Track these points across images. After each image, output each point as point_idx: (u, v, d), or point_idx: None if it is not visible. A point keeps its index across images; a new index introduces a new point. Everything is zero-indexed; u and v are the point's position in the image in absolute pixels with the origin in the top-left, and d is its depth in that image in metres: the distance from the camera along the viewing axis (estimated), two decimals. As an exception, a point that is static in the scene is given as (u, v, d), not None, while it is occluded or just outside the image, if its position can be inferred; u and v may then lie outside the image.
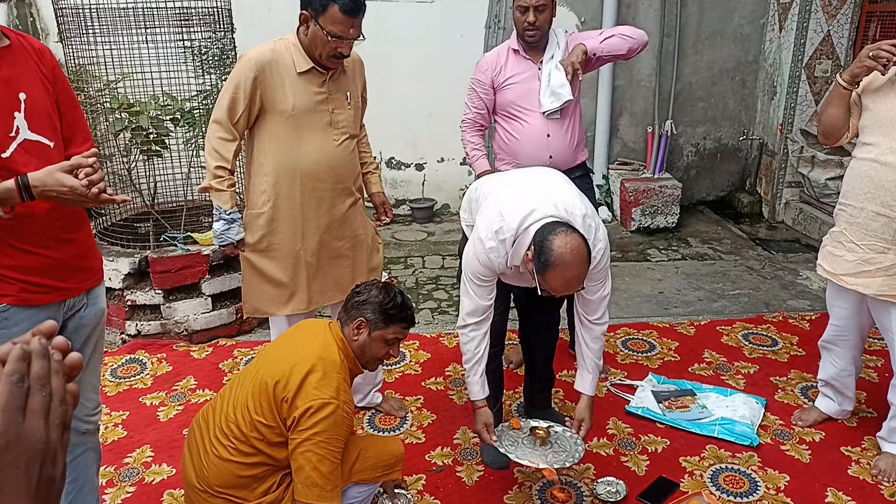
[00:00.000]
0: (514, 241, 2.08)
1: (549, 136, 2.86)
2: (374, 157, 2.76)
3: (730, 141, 6.05)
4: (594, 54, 2.79)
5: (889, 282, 2.39)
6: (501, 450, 2.25)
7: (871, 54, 2.30)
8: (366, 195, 2.74)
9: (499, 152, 3.01)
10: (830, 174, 5.04)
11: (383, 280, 2.36)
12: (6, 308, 1.71)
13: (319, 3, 2.22)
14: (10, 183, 1.57)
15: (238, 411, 1.96)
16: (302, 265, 2.55)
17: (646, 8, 5.57)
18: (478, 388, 2.31)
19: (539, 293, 2.05)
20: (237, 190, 2.53)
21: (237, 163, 2.49)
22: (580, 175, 3.00)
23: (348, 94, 2.47)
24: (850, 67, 2.39)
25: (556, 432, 2.35)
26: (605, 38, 2.81)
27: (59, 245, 1.78)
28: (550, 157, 2.87)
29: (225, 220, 2.42)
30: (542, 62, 2.87)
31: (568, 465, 2.23)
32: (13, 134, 1.65)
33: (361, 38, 2.32)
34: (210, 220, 3.75)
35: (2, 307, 1.71)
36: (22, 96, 1.68)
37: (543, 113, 2.83)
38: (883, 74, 2.35)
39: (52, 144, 1.75)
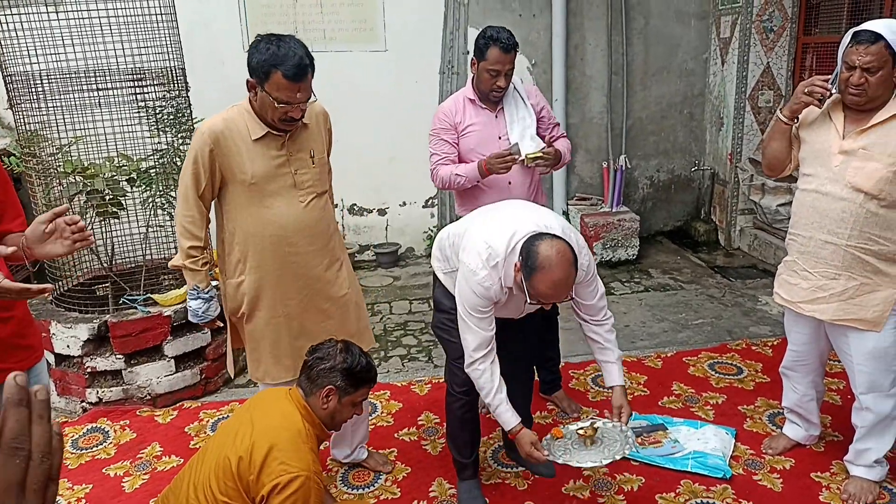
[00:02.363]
0: (505, 263, 2.15)
1: (510, 182, 2.89)
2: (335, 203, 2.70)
3: (682, 172, 6.22)
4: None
5: (843, 307, 2.47)
6: (560, 461, 2.22)
7: (806, 90, 2.41)
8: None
9: (460, 200, 3.02)
10: (781, 200, 5.21)
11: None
12: None
13: (262, 71, 2.15)
14: None
15: (200, 492, 1.90)
16: (284, 331, 2.47)
17: (593, 48, 5.75)
18: (509, 416, 2.28)
19: (528, 302, 2.13)
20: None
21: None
22: None
23: (312, 151, 2.39)
24: (789, 104, 2.50)
25: (600, 427, 2.33)
26: (566, 152, 3.00)
27: None
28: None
29: (203, 298, 2.38)
30: (500, 110, 2.91)
31: (626, 454, 2.23)
32: None
33: (313, 98, 2.27)
34: (170, 279, 3.72)
35: None
36: None
37: (524, 159, 2.81)
38: (819, 108, 2.46)
39: None
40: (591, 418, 2.38)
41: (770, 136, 2.64)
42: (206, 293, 2.38)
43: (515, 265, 2.10)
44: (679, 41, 5.91)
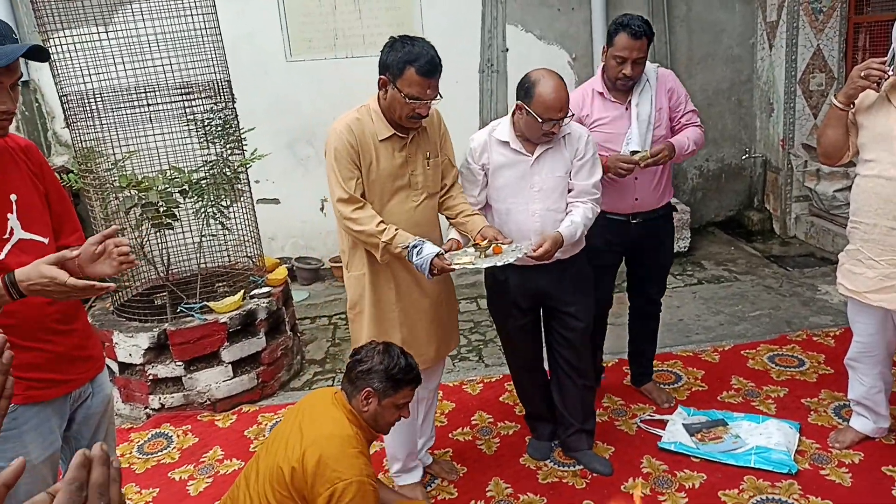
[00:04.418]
0: (495, 128, 2.56)
1: (636, 178, 2.82)
2: (473, 209, 2.57)
3: (732, 160, 6.07)
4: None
5: (912, 295, 2.37)
6: (456, 267, 2.25)
7: (862, 74, 2.32)
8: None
9: None
10: (837, 185, 5.04)
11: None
12: (14, 408, 1.69)
13: (396, 67, 2.23)
14: None
15: (257, 502, 1.93)
16: (396, 325, 2.47)
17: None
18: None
19: (542, 132, 2.42)
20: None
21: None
22: (663, 215, 3.00)
23: (427, 153, 2.45)
24: (844, 89, 2.41)
25: (504, 247, 2.35)
26: (689, 142, 2.87)
27: (59, 337, 1.79)
28: (636, 199, 2.87)
29: (416, 248, 2.27)
30: (629, 102, 2.80)
31: (490, 264, 2.26)
32: (7, 235, 1.67)
33: (439, 97, 2.31)
34: (225, 287, 3.80)
35: (10, 408, 1.69)
36: (13, 197, 1.70)
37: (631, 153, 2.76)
38: (877, 91, 2.37)
39: (46, 241, 1.76)
40: (504, 243, 2.38)
41: (825, 124, 2.55)
42: (414, 244, 2.27)
43: (517, 106, 2.45)
44: (724, 27, 5.77)
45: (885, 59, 2.32)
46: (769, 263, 5.09)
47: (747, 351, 3.66)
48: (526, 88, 2.41)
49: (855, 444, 2.78)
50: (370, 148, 2.32)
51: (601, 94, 2.83)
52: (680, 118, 2.93)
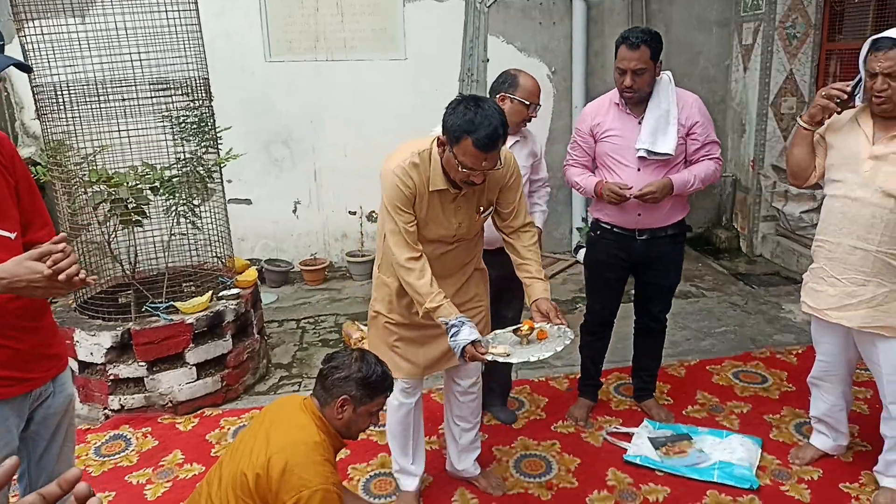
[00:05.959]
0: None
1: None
2: (540, 270, 2.41)
3: (704, 179, 6.15)
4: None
5: (872, 314, 2.43)
6: (488, 357, 2.12)
7: (823, 94, 2.40)
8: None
9: (595, 204, 3.03)
10: (805, 207, 5.15)
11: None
12: None
13: (454, 134, 2.11)
14: None
15: None
16: (405, 333, 2.47)
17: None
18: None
19: (526, 110, 2.77)
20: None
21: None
22: (672, 235, 2.95)
23: (480, 207, 2.36)
24: (808, 109, 2.48)
25: (550, 330, 2.22)
26: (693, 179, 2.81)
27: (23, 334, 1.73)
28: (639, 214, 2.85)
29: (454, 328, 2.18)
30: (642, 117, 2.79)
31: (525, 358, 2.09)
32: None
33: (498, 166, 2.20)
34: (192, 287, 3.74)
35: None
36: None
37: (638, 152, 2.77)
38: (839, 113, 2.44)
39: (13, 236, 1.71)
40: (543, 326, 2.24)
41: (793, 143, 2.63)
42: (457, 319, 2.19)
43: (498, 99, 2.72)
44: (701, 48, 5.88)
45: (849, 82, 2.40)
46: (735, 281, 5.18)
47: (712, 366, 3.71)
48: (510, 81, 2.75)
49: (815, 461, 2.83)
50: (424, 195, 2.26)
51: (617, 104, 2.85)
52: (698, 149, 2.86)
